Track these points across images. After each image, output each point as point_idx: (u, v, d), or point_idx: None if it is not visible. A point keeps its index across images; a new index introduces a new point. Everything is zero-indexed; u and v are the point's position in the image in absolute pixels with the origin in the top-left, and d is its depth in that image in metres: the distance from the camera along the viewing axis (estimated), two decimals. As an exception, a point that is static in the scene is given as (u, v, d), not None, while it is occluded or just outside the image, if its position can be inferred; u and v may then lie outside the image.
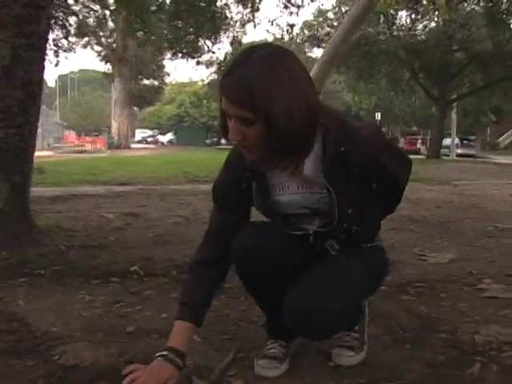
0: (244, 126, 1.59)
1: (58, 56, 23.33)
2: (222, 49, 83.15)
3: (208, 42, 23.34)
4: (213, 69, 35.99)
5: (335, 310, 1.73)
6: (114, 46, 35.49)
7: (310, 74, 1.76)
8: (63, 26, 20.00)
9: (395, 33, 27.28)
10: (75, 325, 2.40)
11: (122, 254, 3.77)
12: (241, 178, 1.83)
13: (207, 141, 53.40)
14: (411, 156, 2.10)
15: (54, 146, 33.28)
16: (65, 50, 24.54)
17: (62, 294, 2.86)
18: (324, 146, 1.71)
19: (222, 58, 32.35)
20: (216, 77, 37.60)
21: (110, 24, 32.73)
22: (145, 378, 1.68)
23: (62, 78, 77.48)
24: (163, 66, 44.35)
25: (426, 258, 3.79)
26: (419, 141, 43.66)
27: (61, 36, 22.05)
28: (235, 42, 21.85)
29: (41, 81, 4.31)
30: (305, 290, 1.75)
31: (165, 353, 1.77)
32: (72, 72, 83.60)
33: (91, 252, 3.81)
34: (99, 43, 35.85)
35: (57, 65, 33.21)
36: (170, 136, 58.52)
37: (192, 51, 23.27)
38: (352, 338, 2.04)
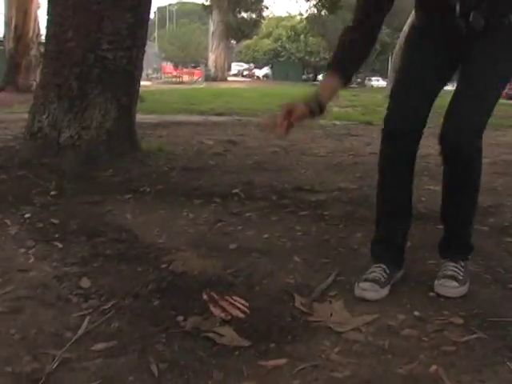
0: None
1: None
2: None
3: (309, -26, 22.72)
4: (313, 2, 35.07)
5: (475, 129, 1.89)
6: (214, -24, 35.28)
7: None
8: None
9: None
10: (180, 239, 2.49)
11: (222, 178, 3.84)
12: None
13: (303, 76, 52.74)
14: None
15: (152, 77, 33.94)
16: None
17: (165, 211, 2.96)
18: None
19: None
20: (315, 11, 36.72)
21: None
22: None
23: (160, 10, 78.19)
24: (261, -1, 43.76)
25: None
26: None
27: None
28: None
29: (149, 5, 4.36)
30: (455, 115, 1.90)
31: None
32: (171, 4, 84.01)
33: (192, 174, 3.91)
34: (200, -27, 35.70)
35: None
36: (265, 70, 58.20)
37: (293, -18, 22.74)
38: (459, 269, 2.00)
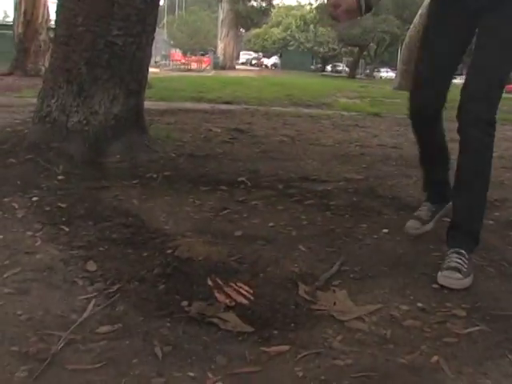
0: None
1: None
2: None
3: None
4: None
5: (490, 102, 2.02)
6: (225, -37, 35.09)
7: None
8: None
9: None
10: (186, 225, 2.50)
11: (229, 165, 3.84)
12: None
13: (312, 66, 52.55)
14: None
15: (161, 64, 33.88)
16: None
17: (172, 197, 2.97)
18: None
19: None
20: (325, 1, 36.52)
21: None
22: None
23: (170, -4, 77.81)
24: (272, -13, 43.58)
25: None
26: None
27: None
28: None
29: (158, -10, 4.35)
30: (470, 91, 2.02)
31: None
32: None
33: (199, 161, 3.90)
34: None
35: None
36: (274, 59, 58.08)
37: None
38: (463, 261, 2.01)
